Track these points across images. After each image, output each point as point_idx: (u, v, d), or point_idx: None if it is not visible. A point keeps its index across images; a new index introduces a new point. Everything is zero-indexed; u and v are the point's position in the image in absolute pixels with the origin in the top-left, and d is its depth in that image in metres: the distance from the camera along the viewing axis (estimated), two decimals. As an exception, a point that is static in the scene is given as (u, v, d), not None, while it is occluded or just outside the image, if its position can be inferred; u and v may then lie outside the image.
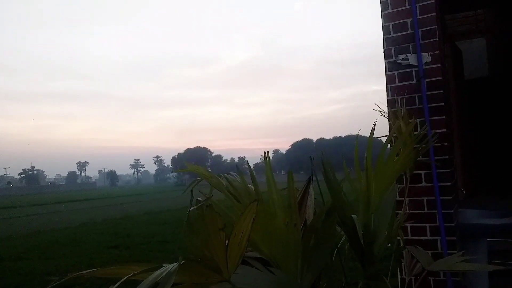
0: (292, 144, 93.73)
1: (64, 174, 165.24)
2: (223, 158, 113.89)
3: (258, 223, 0.98)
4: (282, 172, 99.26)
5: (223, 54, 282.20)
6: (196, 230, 0.83)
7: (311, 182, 1.15)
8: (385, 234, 1.13)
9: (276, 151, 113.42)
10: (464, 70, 6.12)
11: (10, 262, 8.69)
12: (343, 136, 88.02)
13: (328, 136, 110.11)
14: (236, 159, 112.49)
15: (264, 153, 0.97)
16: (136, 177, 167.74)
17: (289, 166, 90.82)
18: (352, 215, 0.96)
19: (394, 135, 1.98)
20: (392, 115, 2.31)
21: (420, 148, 2.23)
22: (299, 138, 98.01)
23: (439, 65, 2.49)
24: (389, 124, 2.37)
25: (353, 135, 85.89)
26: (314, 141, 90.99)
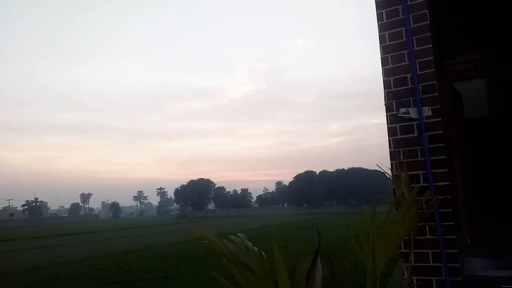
0: (295, 176, 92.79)
1: (67, 206, 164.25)
2: (226, 190, 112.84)
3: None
4: (286, 205, 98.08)
5: (226, 87, 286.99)
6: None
7: (318, 256, 1.19)
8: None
9: (279, 183, 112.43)
10: (464, 109, 6.20)
11: (10, 299, 8.58)
12: (345, 169, 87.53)
13: (331, 168, 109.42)
14: (238, 191, 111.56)
15: (274, 235, 1.01)
16: (139, 208, 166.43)
17: (292, 198, 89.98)
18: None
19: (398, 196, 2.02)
20: (395, 178, 2.35)
21: (423, 212, 2.25)
22: (302, 170, 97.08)
23: (440, 119, 2.56)
24: (393, 185, 2.40)
25: (356, 168, 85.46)
26: (317, 174, 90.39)
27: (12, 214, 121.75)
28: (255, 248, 1.44)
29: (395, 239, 1.42)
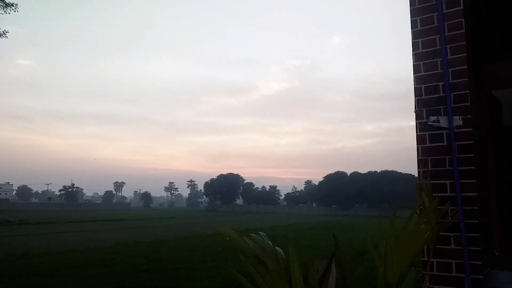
0: (325, 176, 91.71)
1: (101, 193, 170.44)
2: (255, 186, 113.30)
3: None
4: (314, 204, 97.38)
5: (259, 83, 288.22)
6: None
7: (333, 259, 1.24)
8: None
9: (308, 182, 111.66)
10: (503, 117, 5.97)
11: (46, 278, 9.09)
12: (378, 171, 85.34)
13: (363, 170, 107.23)
14: (267, 188, 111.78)
15: (290, 237, 1.07)
16: (169, 199, 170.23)
17: (321, 198, 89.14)
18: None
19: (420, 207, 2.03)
20: (418, 187, 2.35)
21: (444, 222, 2.24)
22: (332, 170, 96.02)
23: (471, 129, 2.52)
24: (418, 194, 2.40)
25: (389, 171, 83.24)
26: (348, 175, 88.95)
27: (50, 198, 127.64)
28: (275, 247, 1.51)
29: (412, 248, 1.45)
